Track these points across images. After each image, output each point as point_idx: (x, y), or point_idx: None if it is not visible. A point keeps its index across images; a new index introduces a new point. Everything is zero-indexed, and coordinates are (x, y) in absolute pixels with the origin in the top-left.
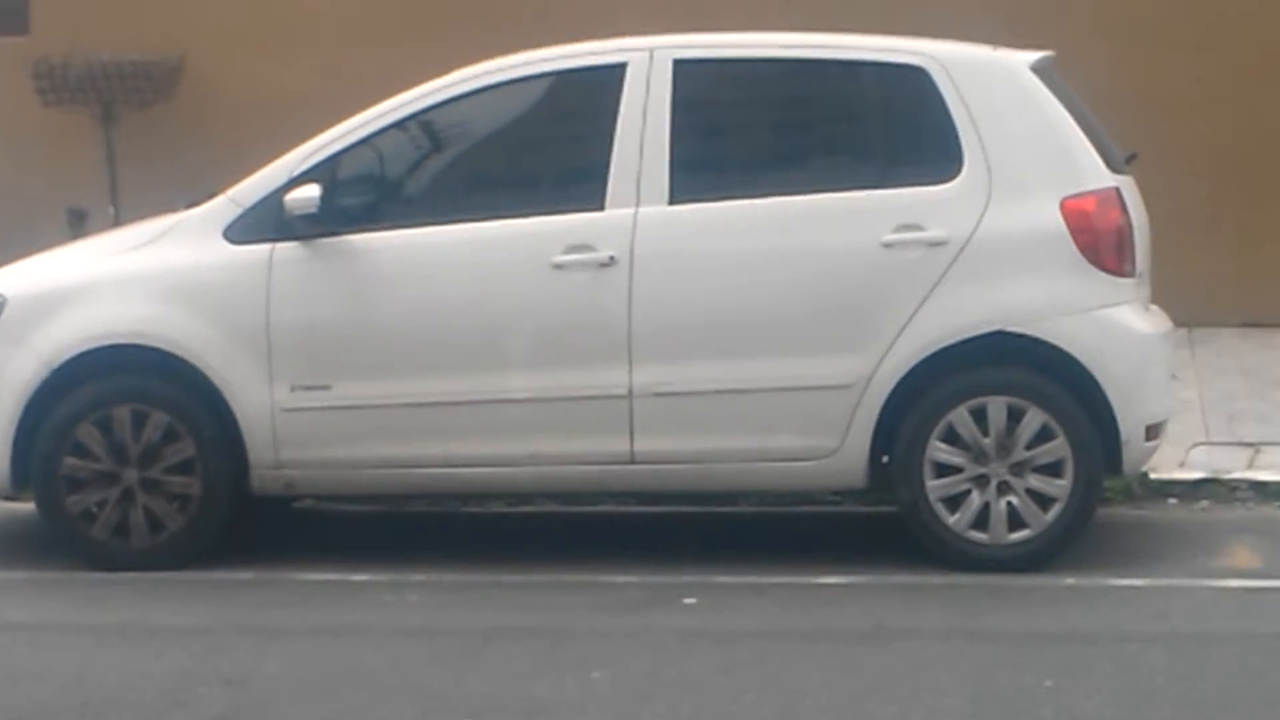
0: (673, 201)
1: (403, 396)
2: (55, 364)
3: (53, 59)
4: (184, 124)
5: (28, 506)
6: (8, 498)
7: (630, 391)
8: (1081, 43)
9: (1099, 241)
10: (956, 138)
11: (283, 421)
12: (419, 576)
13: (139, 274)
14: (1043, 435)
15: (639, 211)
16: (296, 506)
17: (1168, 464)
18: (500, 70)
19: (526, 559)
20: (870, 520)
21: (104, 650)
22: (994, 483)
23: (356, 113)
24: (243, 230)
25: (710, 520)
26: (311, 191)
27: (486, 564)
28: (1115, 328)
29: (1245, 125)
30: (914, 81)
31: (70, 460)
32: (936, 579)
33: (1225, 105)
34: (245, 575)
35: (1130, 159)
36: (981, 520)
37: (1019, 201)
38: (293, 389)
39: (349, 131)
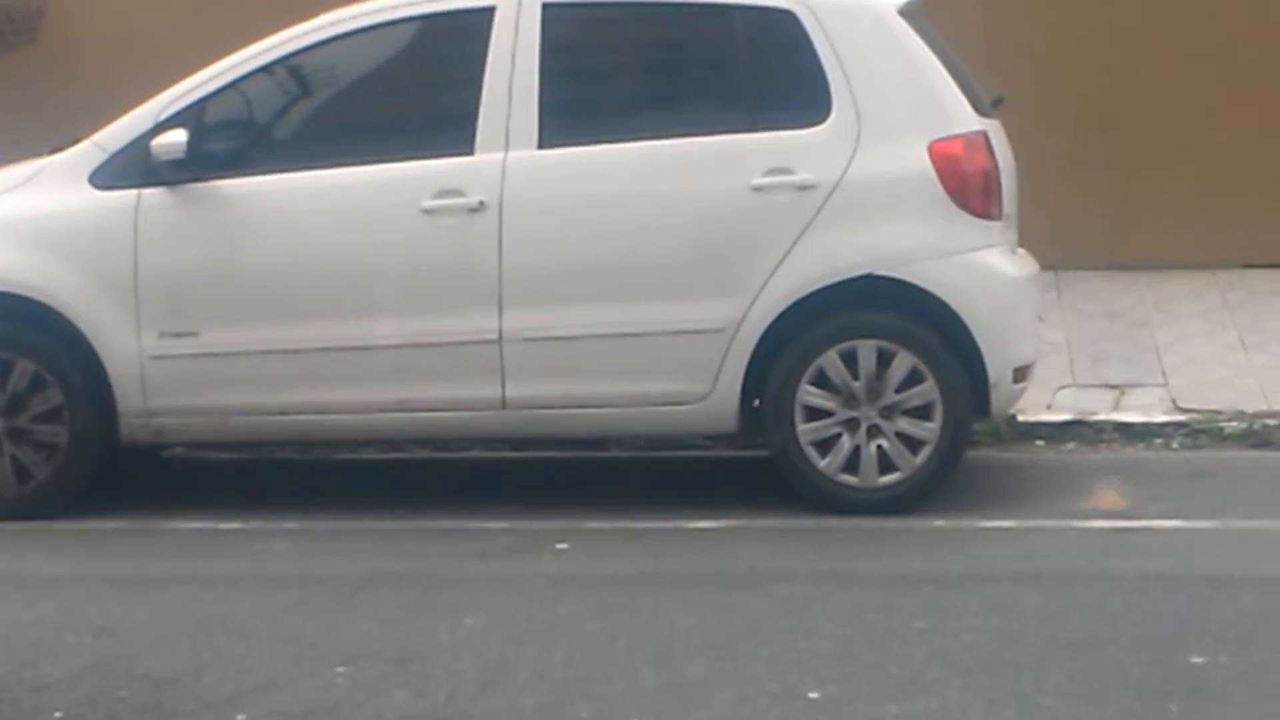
0: (542, 146)
1: (271, 343)
2: None
3: None
4: (46, 67)
5: None
6: None
7: (501, 336)
8: None
9: (966, 185)
10: (825, 81)
11: (151, 369)
12: (290, 524)
13: (3, 220)
14: (912, 378)
15: (509, 156)
16: (166, 455)
17: (1035, 406)
18: (368, 14)
19: (398, 506)
20: (741, 464)
21: None
22: (864, 426)
23: (224, 57)
24: (109, 176)
25: (582, 466)
26: (178, 136)
27: (358, 511)
28: (982, 271)
29: (1112, 70)
30: (782, 25)
31: None
32: (808, 522)
33: (1092, 50)
34: (114, 525)
35: (997, 103)
36: (852, 464)
37: (887, 145)
38: (160, 336)
39: (216, 76)
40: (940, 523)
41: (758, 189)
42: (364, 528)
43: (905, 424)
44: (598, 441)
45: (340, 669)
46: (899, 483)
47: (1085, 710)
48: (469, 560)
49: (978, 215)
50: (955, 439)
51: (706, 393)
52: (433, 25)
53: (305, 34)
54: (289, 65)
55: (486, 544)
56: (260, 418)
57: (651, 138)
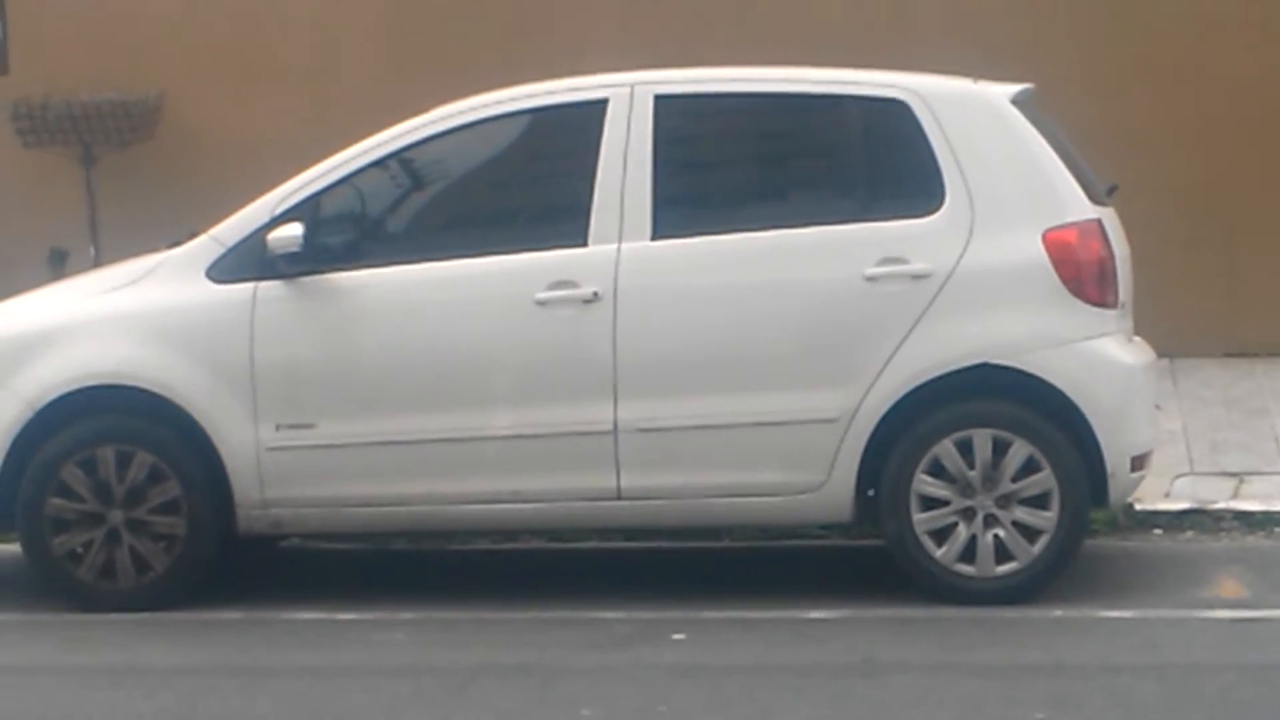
0: (655, 237)
1: (387, 434)
2: (39, 405)
3: (31, 100)
4: (164, 163)
5: (13, 548)
6: None
7: (615, 427)
8: (1060, 76)
9: (1081, 273)
10: (938, 170)
11: (268, 460)
12: (405, 615)
13: (122, 314)
14: (1029, 467)
15: (622, 247)
16: (282, 545)
17: (1152, 495)
18: (481, 107)
19: (513, 596)
20: (857, 553)
21: (92, 692)
22: (980, 515)
23: (338, 150)
24: (225, 269)
25: (697, 555)
26: (294, 230)
27: (473, 601)
28: (1099, 359)
29: (1226, 155)
30: (895, 114)
31: (55, 501)
32: (924, 612)
33: (1205, 136)
34: (232, 615)
35: (1111, 191)
36: (969, 553)
37: (1002, 234)
38: (277, 428)
39: (331, 169)
40: (1059, 612)
41: (871, 279)
42: (478, 618)
43: (1022, 513)
44: (712, 531)
45: None
46: (1016, 572)
47: None
48: (584, 651)
49: (1093, 303)
50: (1073, 528)
51: (821, 482)
52: (545, 118)
53: (418, 128)
54: (402, 159)
55: (602, 634)
56: (375, 509)
57: (764, 228)
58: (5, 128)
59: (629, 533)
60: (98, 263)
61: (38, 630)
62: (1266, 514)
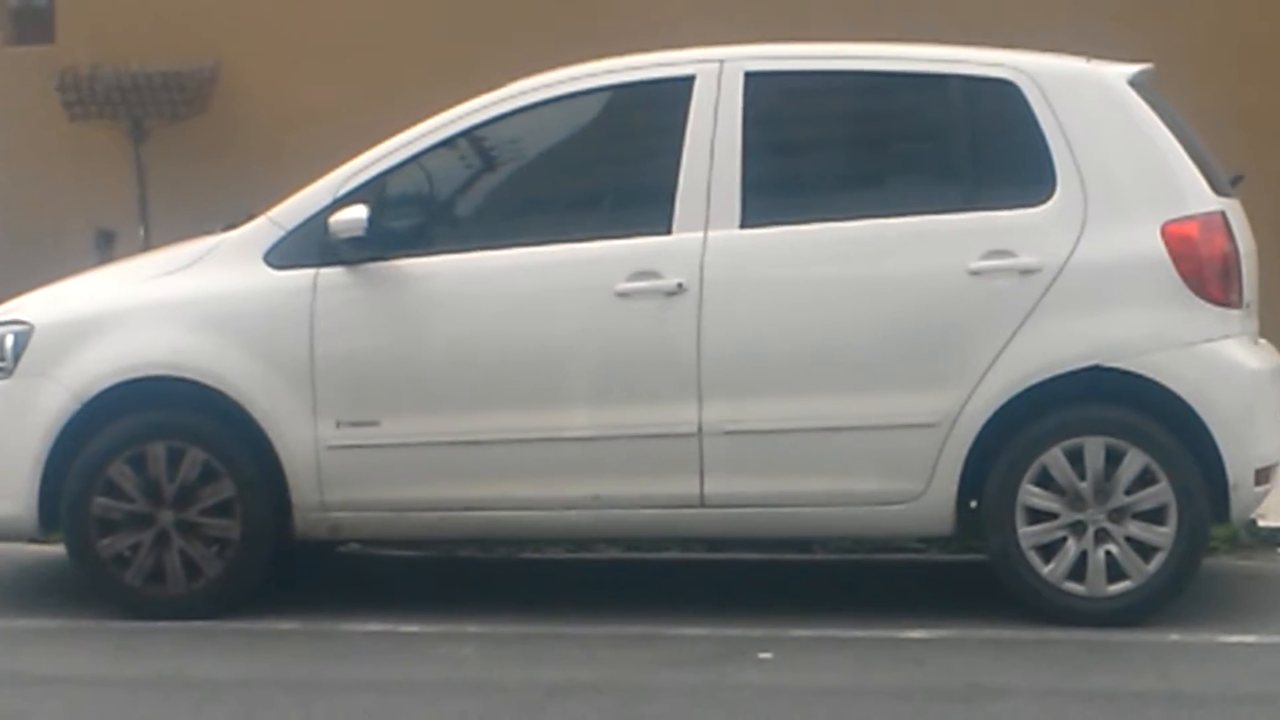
0: (744, 225)
1: (455, 434)
2: (86, 397)
3: (79, 69)
4: (218, 138)
5: (58, 550)
6: (36, 540)
7: (700, 429)
8: (1182, 55)
9: (1203, 270)
10: (1049, 157)
11: (328, 460)
12: (473, 628)
13: (175, 301)
14: (1144, 479)
15: (708, 236)
16: (342, 551)
17: (1277, 511)
18: (559, 83)
19: (588, 610)
20: (957, 569)
21: (139, 705)
22: (1091, 530)
23: (402, 128)
24: (284, 254)
25: (785, 568)
26: (358, 213)
27: (546, 614)
28: (1221, 363)
29: None
30: (1003, 96)
31: (101, 500)
32: (1029, 634)
33: None
34: (288, 625)
35: (1236, 181)
36: (1078, 570)
37: (1116, 226)
38: (338, 425)
39: (397, 148)
40: (1175, 636)
41: (976, 273)
42: (552, 633)
43: (1136, 528)
44: (801, 543)
45: None
46: (1129, 592)
47: None
48: (665, 670)
49: (1215, 302)
50: (1191, 545)
51: (919, 492)
52: (627, 96)
53: (491, 105)
54: (474, 138)
55: (684, 652)
56: (442, 513)
57: (861, 217)
58: (51, 99)
59: (712, 543)
60: (147, 245)
61: (83, 638)
62: None
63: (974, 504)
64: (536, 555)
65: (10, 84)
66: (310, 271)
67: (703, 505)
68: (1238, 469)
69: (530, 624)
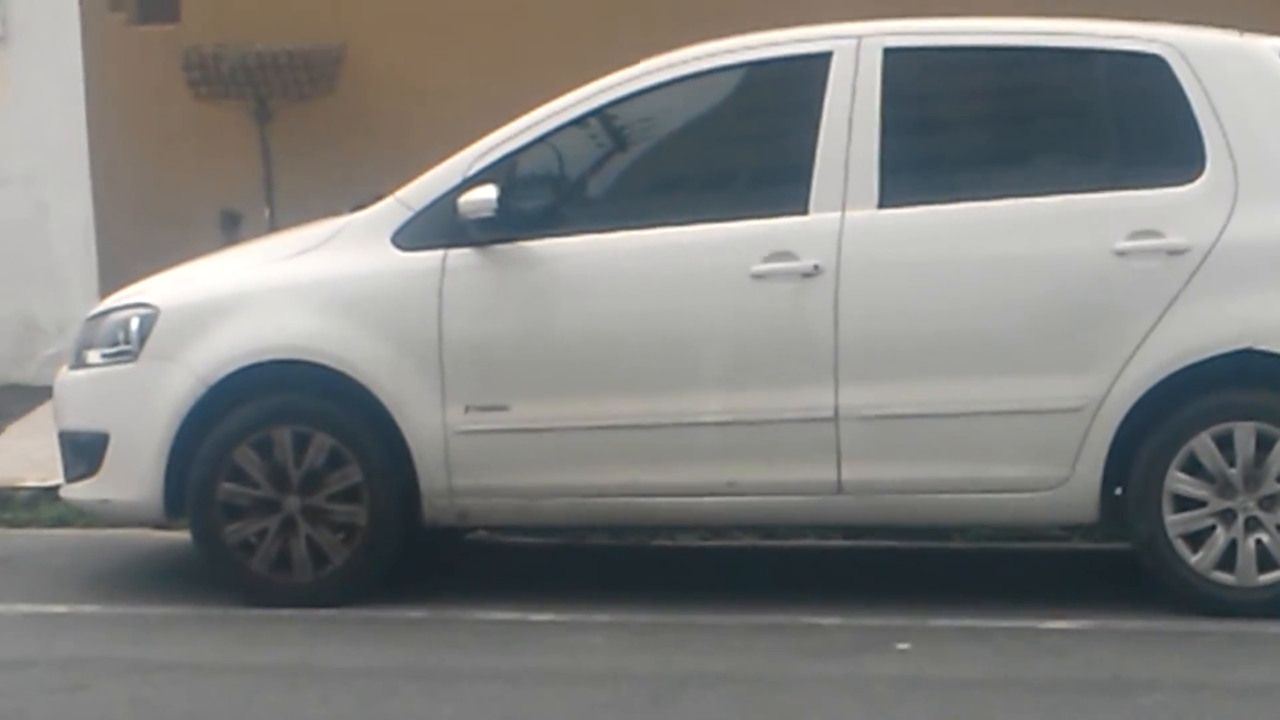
0: (883, 205)
1: (587, 418)
2: (211, 381)
3: (204, 49)
4: (344, 119)
5: (183, 536)
6: (162, 526)
7: (836, 414)
8: None
9: None
10: (1199, 134)
11: (457, 445)
12: (604, 617)
13: (302, 283)
14: None
15: (846, 216)
16: (470, 538)
17: None
18: (692, 61)
19: (721, 598)
20: (1101, 558)
21: (265, 693)
22: (1241, 518)
23: (530, 107)
24: (413, 235)
25: (924, 557)
26: (488, 193)
27: (677, 603)
28: None
29: None
30: (1150, 71)
31: (227, 486)
32: (1178, 625)
33: None
34: (416, 613)
35: None
36: (1228, 560)
37: (1269, 205)
38: (467, 410)
39: (528, 127)
40: None
41: (1122, 253)
42: (684, 622)
43: None
44: (940, 531)
45: None
46: None
47: None
48: (801, 660)
49: None
50: None
51: (1063, 478)
52: (762, 73)
53: (623, 83)
54: (605, 117)
55: (820, 642)
56: (573, 499)
57: (1003, 196)
58: (176, 78)
59: (849, 531)
60: (273, 226)
61: (208, 626)
62: None
63: (1119, 491)
64: (668, 543)
65: (135, 63)
66: (439, 253)
67: (839, 492)
68: None
69: (662, 613)
